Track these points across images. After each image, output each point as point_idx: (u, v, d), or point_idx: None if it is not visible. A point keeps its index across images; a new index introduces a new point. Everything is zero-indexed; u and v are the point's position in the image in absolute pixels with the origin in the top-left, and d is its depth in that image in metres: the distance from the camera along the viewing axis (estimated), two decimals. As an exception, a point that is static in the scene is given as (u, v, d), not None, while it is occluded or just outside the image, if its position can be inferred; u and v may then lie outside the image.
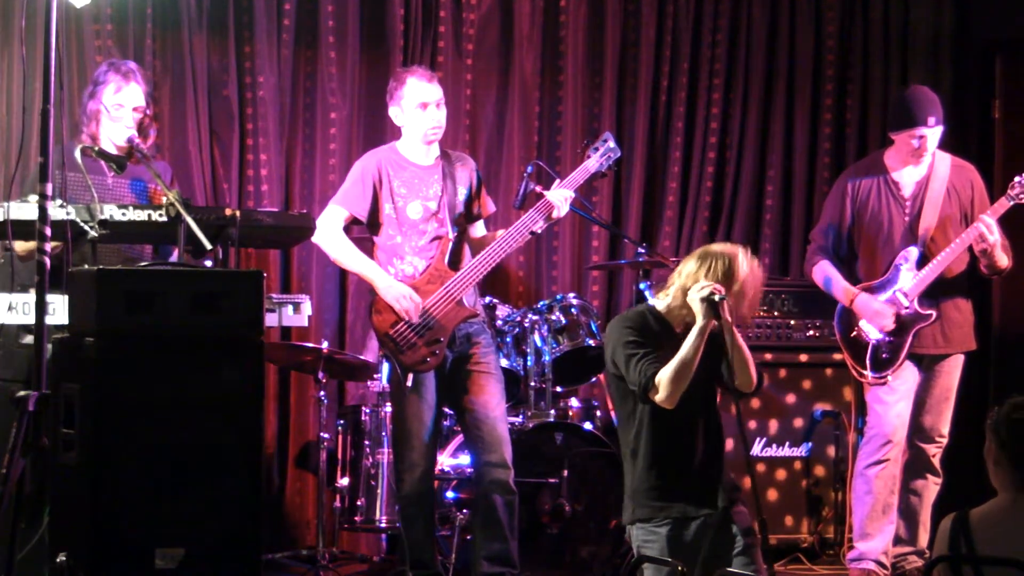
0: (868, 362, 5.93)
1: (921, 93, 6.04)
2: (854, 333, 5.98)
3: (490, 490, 5.52)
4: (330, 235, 5.66)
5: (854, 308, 5.96)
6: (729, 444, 5.23)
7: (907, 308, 5.92)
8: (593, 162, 5.76)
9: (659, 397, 4.47)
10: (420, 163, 5.69)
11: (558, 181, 5.70)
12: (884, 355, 5.94)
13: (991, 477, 3.83)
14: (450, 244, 5.64)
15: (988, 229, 5.82)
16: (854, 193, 6.06)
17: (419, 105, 5.61)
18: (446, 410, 5.91)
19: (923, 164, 6.03)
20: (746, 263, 4.61)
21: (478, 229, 5.83)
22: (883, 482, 5.96)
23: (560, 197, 5.61)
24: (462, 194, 5.72)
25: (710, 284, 4.48)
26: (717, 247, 4.70)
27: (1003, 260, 5.93)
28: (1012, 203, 5.87)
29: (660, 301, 4.70)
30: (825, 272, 6.07)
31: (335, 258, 5.77)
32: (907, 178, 6.04)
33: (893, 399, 5.94)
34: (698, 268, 4.59)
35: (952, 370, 6.04)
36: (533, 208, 5.64)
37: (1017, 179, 5.87)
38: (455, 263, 5.65)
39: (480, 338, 5.66)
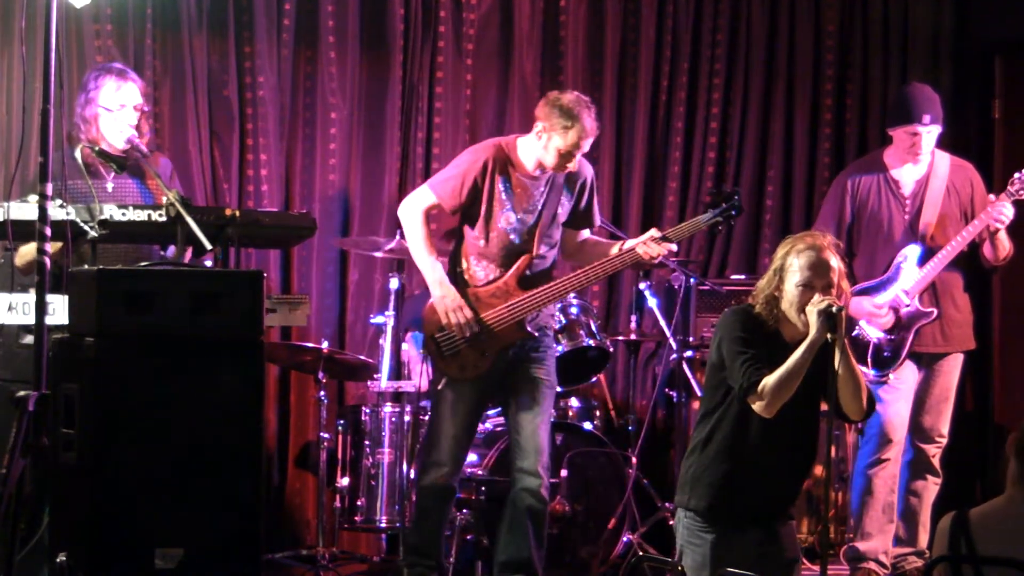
0: (869, 361, 5.93)
1: (919, 91, 6.05)
2: (855, 332, 5.97)
3: (518, 496, 5.46)
4: (413, 218, 5.49)
5: (848, 312, 5.93)
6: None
7: (908, 306, 5.92)
8: (707, 217, 5.55)
9: (759, 405, 4.36)
10: (531, 171, 5.51)
11: (658, 233, 5.51)
12: (886, 353, 5.94)
13: (1007, 468, 3.86)
14: (530, 261, 5.49)
15: (1007, 212, 5.84)
16: (854, 191, 6.06)
17: (568, 153, 5.42)
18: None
19: (923, 163, 6.03)
20: (800, 252, 4.46)
21: (584, 235, 5.69)
22: (883, 481, 5.96)
23: (661, 252, 5.46)
24: (565, 207, 5.55)
25: (828, 297, 4.36)
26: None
27: (1007, 244, 5.94)
28: (1011, 199, 5.87)
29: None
30: None
31: (408, 242, 5.56)
32: (907, 176, 6.05)
33: (893, 398, 5.94)
34: (771, 272, 4.50)
35: (952, 369, 6.04)
36: (628, 252, 5.48)
37: (1017, 175, 5.88)
38: (528, 283, 5.49)
39: (542, 341, 5.56)
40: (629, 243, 5.55)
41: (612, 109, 7.16)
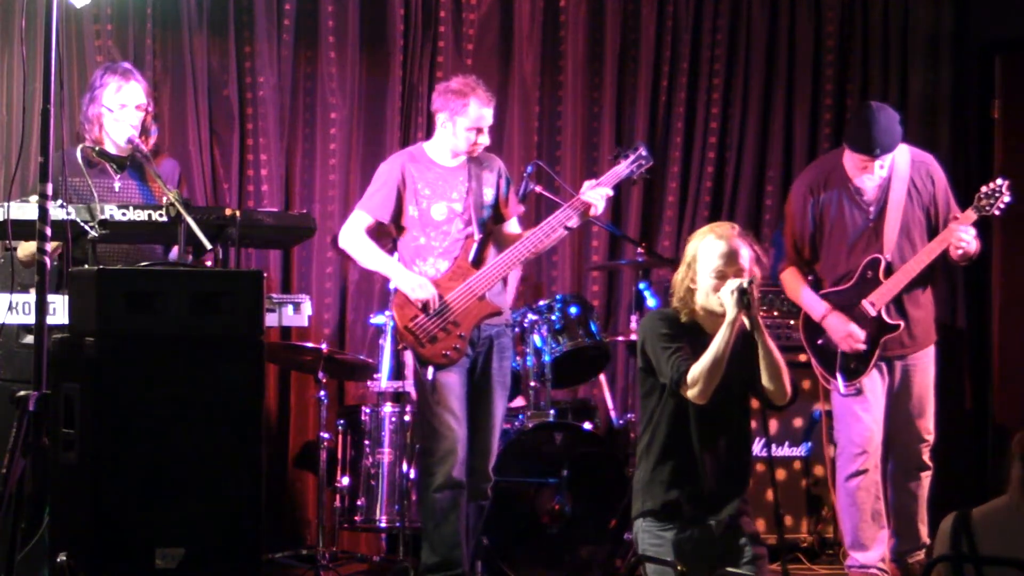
0: (838, 371, 5.84)
1: (878, 118, 5.78)
2: (821, 341, 5.88)
3: (470, 496, 5.58)
4: (354, 240, 5.69)
5: (824, 325, 5.85)
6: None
7: (874, 317, 5.82)
8: (623, 167, 5.78)
9: (692, 393, 4.41)
10: (446, 164, 5.69)
11: (593, 181, 5.69)
12: (852, 364, 5.83)
13: (1011, 468, 3.86)
14: (475, 244, 5.64)
15: (967, 238, 5.73)
16: (815, 199, 5.92)
17: (474, 129, 5.62)
18: None
19: (884, 167, 5.89)
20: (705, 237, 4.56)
21: (512, 227, 5.79)
22: (866, 492, 5.83)
23: (598, 195, 5.63)
24: (488, 195, 5.71)
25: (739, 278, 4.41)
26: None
27: (972, 250, 5.79)
28: (978, 215, 5.78)
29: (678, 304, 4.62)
30: (795, 280, 5.97)
31: (359, 261, 5.79)
32: (868, 182, 5.86)
33: (863, 408, 5.81)
34: (684, 266, 4.58)
35: (926, 365, 5.91)
36: (567, 205, 5.65)
37: (984, 189, 5.77)
38: (480, 262, 5.64)
39: (500, 341, 5.66)
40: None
41: (612, 109, 7.17)
